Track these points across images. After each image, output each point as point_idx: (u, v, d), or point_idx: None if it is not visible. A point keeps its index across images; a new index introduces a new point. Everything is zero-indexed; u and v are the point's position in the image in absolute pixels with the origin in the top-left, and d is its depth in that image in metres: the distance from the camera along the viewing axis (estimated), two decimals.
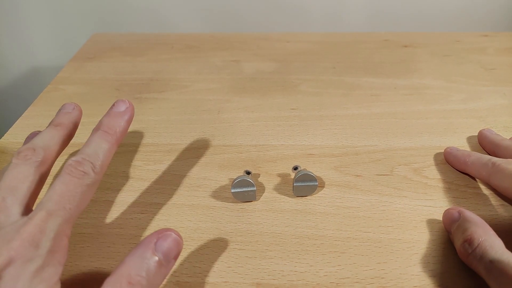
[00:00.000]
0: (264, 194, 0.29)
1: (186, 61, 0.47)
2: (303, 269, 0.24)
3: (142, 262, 0.18)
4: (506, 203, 0.28)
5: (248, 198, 0.28)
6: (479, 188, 0.29)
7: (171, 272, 0.24)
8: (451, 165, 0.31)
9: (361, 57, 0.47)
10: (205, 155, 0.33)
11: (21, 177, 0.21)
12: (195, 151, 0.33)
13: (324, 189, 0.29)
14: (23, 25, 0.69)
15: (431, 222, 0.26)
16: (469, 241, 0.22)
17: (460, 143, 0.33)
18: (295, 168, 0.29)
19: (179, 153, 0.33)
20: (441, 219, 0.26)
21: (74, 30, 0.68)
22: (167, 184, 0.30)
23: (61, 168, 0.21)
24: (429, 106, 0.38)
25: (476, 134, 0.34)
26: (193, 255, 0.25)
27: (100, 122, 0.24)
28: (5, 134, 0.36)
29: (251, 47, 0.50)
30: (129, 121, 0.25)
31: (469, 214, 0.24)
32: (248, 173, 0.29)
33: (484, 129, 0.33)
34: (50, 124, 0.25)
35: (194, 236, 0.26)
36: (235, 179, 0.27)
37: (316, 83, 0.42)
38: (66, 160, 0.22)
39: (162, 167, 0.32)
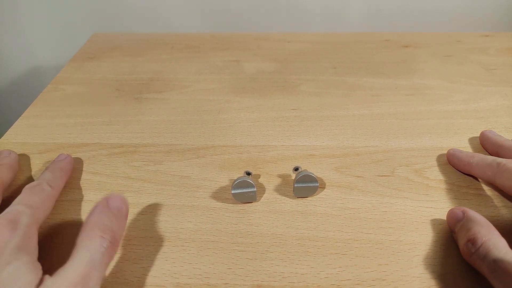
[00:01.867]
0: (264, 195, 0.29)
1: (186, 61, 0.47)
2: (304, 270, 0.24)
3: (103, 214, 0.23)
4: (508, 205, 0.27)
5: (248, 199, 0.28)
6: (481, 189, 0.29)
7: (171, 273, 0.24)
8: (454, 167, 0.30)
9: (362, 57, 0.47)
10: (205, 155, 0.32)
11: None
12: (195, 152, 0.33)
13: (325, 190, 0.29)
14: (23, 25, 0.69)
15: (432, 224, 0.26)
16: (472, 241, 0.22)
17: (461, 144, 0.33)
18: (296, 169, 0.29)
19: (179, 154, 0.33)
20: (442, 220, 0.26)
21: (74, 30, 0.68)
22: (167, 185, 0.30)
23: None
24: (430, 107, 0.38)
25: (477, 134, 0.33)
26: (193, 257, 0.25)
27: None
28: (5, 134, 0.35)
29: (251, 47, 0.50)
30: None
31: (473, 214, 0.24)
32: (248, 174, 0.29)
33: (486, 130, 0.33)
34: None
35: (194, 237, 0.26)
36: (236, 180, 0.27)
37: (316, 83, 0.42)
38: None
39: (162, 167, 0.31)
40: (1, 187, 0.27)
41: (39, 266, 0.20)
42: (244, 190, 0.27)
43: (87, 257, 0.20)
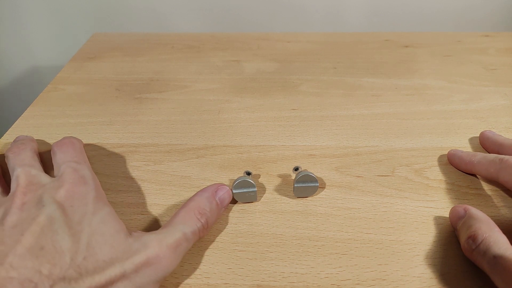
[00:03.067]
0: (264, 195, 0.29)
1: (186, 61, 0.47)
2: (304, 270, 0.24)
3: (208, 201, 0.25)
4: (508, 204, 0.27)
5: (249, 199, 0.28)
6: (481, 189, 0.29)
7: (171, 273, 0.24)
8: (455, 167, 0.30)
9: (362, 57, 0.47)
10: (205, 155, 0.32)
11: (29, 157, 0.27)
12: (195, 152, 0.33)
13: (325, 190, 0.29)
14: (23, 25, 0.69)
15: (432, 223, 0.26)
16: (473, 237, 0.22)
17: (461, 144, 0.33)
18: (296, 169, 0.29)
19: (179, 154, 0.33)
20: (442, 220, 0.26)
21: (74, 30, 0.68)
22: (167, 185, 0.30)
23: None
24: (430, 107, 0.38)
25: (477, 134, 0.33)
26: (193, 257, 0.25)
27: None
28: (5, 134, 0.35)
29: (251, 47, 0.50)
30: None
31: (475, 211, 0.24)
32: (248, 173, 0.29)
33: (486, 130, 0.33)
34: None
35: None
36: (236, 180, 0.27)
37: (316, 83, 0.42)
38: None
39: (162, 167, 0.31)
40: (36, 152, 0.29)
41: (118, 217, 0.23)
42: (245, 190, 0.27)
43: (182, 229, 0.23)
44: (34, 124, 0.37)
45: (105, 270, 0.20)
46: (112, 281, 0.19)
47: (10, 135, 0.35)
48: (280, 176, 0.30)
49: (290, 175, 0.30)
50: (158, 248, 0.21)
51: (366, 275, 0.23)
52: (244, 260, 0.24)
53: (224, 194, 0.26)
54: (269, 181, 0.30)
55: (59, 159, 0.26)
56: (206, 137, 0.34)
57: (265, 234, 0.26)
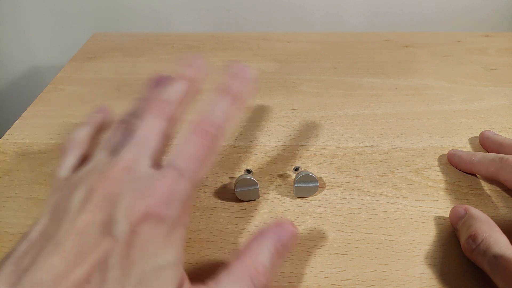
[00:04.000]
0: (264, 195, 0.29)
1: None
2: (304, 270, 0.24)
3: (269, 251, 0.20)
4: (508, 204, 0.27)
5: (252, 196, 0.28)
6: (481, 189, 0.29)
7: None
8: (455, 167, 0.30)
9: (362, 57, 0.47)
10: None
11: (155, 130, 0.20)
12: None
13: (325, 190, 0.29)
14: (23, 25, 0.69)
15: (432, 223, 0.26)
16: (473, 237, 0.22)
17: (461, 144, 0.33)
18: (296, 169, 0.29)
19: None
20: (442, 220, 0.26)
21: (74, 30, 0.68)
22: None
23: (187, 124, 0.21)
24: (430, 107, 0.38)
25: (477, 134, 0.33)
26: (193, 257, 0.25)
27: (226, 84, 0.23)
28: (5, 134, 0.35)
29: (251, 47, 0.50)
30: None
31: (475, 211, 0.24)
32: (249, 171, 0.29)
33: (486, 130, 0.33)
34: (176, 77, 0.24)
35: (195, 237, 0.26)
36: (238, 178, 0.27)
37: (316, 83, 0.42)
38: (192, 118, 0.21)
39: None
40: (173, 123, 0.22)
41: (180, 265, 0.19)
42: (248, 188, 0.27)
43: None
44: (34, 124, 0.37)
45: None
46: None
47: (10, 135, 0.35)
48: (280, 176, 0.30)
49: (290, 175, 0.30)
50: None
51: (366, 275, 0.23)
52: None
53: (291, 237, 0.21)
54: (269, 181, 0.30)
55: (177, 150, 0.20)
56: None
57: None
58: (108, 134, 0.22)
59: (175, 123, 0.22)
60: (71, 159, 0.22)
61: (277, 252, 0.20)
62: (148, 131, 0.20)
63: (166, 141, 0.21)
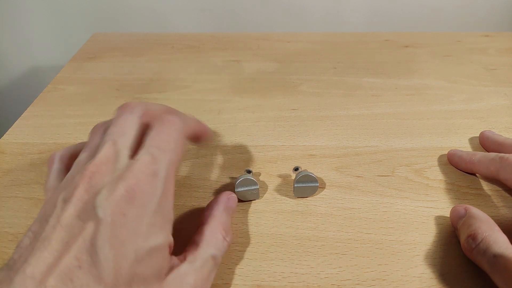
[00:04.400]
0: (264, 195, 0.29)
1: (186, 61, 0.47)
2: (304, 271, 0.24)
3: (226, 215, 0.24)
4: (508, 204, 0.27)
5: (252, 197, 0.28)
6: (481, 189, 0.29)
7: None
8: (455, 167, 0.30)
9: (362, 57, 0.47)
10: (205, 155, 0.32)
11: (130, 122, 0.22)
12: (195, 152, 0.33)
13: (325, 190, 0.29)
14: (23, 25, 0.69)
15: (432, 223, 0.26)
16: (473, 236, 0.22)
17: (461, 144, 0.33)
18: (296, 169, 0.29)
19: None
20: (442, 220, 0.26)
21: (74, 30, 0.68)
22: None
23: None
24: (430, 107, 0.38)
25: (477, 134, 0.33)
26: None
27: None
28: (5, 134, 0.35)
29: (251, 47, 0.50)
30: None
31: (475, 211, 0.24)
32: (249, 172, 0.29)
33: (486, 130, 0.33)
34: None
35: None
36: (238, 179, 0.27)
37: (316, 83, 0.42)
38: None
39: None
40: (143, 120, 0.23)
41: (168, 254, 0.20)
42: (247, 188, 0.27)
43: (212, 253, 0.22)
44: (34, 124, 0.37)
45: None
46: None
47: (10, 135, 0.35)
48: (280, 176, 0.30)
49: (290, 175, 0.30)
50: (194, 286, 0.20)
51: (366, 275, 0.23)
52: (244, 260, 0.24)
53: (234, 203, 0.26)
54: (269, 181, 0.30)
55: (147, 137, 0.21)
56: None
57: (265, 234, 0.26)
58: (88, 140, 0.23)
59: (148, 117, 0.23)
60: (56, 170, 0.23)
61: (230, 215, 0.25)
62: (123, 125, 0.22)
63: (141, 132, 0.22)
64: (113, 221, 0.18)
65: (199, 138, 0.26)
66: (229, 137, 0.34)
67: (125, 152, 0.20)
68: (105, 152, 0.20)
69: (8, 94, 0.77)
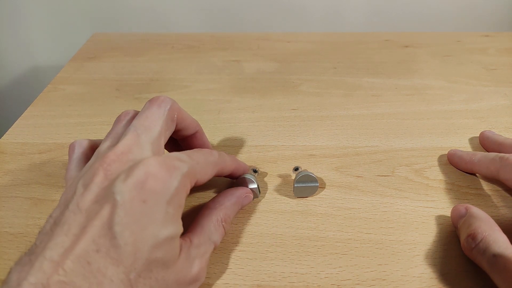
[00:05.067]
0: (264, 195, 0.29)
1: (186, 61, 0.47)
2: (304, 270, 0.24)
3: (234, 209, 0.25)
4: (508, 204, 0.27)
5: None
6: (481, 189, 0.29)
7: None
8: (455, 167, 0.30)
9: (362, 57, 0.47)
10: None
11: (156, 117, 0.22)
12: None
13: (325, 190, 0.29)
14: (23, 25, 0.69)
15: (432, 223, 0.26)
16: (472, 236, 0.22)
17: (461, 144, 0.33)
18: (296, 169, 0.29)
19: None
20: (442, 220, 0.26)
21: (74, 30, 0.68)
22: None
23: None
24: (430, 107, 0.38)
25: (477, 134, 0.33)
26: None
27: None
28: (5, 134, 0.35)
29: (251, 47, 0.50)
30: None
31: (476, 210, 0.24)
32: (255, 171, 0.29)
33: (486, 130, 0.33)
34: None
35: None
36: (238, 178, 0.27)
37: (316, 83, 0.42)
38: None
39: None
40: (173, 116, 0.24)
41: (177, 245, 0.20)
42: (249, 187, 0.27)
43: (214, 239, 0.23)
44: (34, 124, 0.37)
45: None
46: None
47: (10, 135, 0.35)
48: (280, 176, 0.30)
49: (290, 175, 0.30)
50: (199, 269, 0.21)
51: (366, 275, 0.23)
52: (244, 260, 0.24)
53: (247, 202, 0.27)
54: (269, 181, 0.30)
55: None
56: None
57: (265, 234, 0.26)
58: (111, 129, 0.23)
59: (176, 113, 0.24)
60: (76, 159, 0.24)
61: (237, 210, 0.25)
62: (149, 119, 0.22)
63: (168, 128, 0.23)
64: (133, 206, 0.18)
65: (234, 175, 0.27)
66: (229, 137, 0.34)
67: (148, 146, 0.21)
68: (127, 142, 0.21)
69: (8, 94, 0.77)
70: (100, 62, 0.47)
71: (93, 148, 0.24)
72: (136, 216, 0.18)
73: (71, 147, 0.24)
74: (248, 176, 0.27)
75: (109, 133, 0.23)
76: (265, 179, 0.30)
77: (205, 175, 0.23)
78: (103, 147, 0.22)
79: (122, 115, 0.24)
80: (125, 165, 0.20)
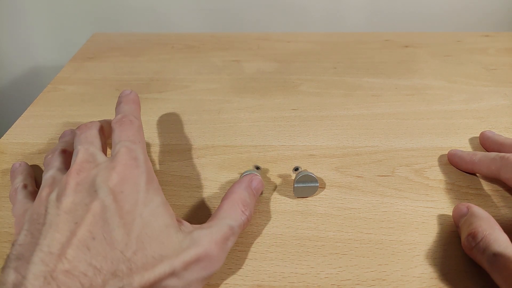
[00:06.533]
0: (264, 195, 0.29)
1: (186, 61, 0.47)
2: (304, 271, 0.24)
3: (247, 192, 0.25)
4: (508, 204, 0.27)
5: None
6: (481, 189, 0.29)
7: None
8: (456, 166, 0.30)
9: (362, 57, 0.47)
10: (205, 155, 0.32)
11: (92, 135, 0.25)
12: (195, 152, 0.33)
13: (325, 190, 0.29)
14: (23, 25, 0.69)
15: (432, 224, 0.26)
16: (473, 235, 0.23)
17: (461, 144, 0.33)
18: (296, 169, 0.29)
19: (179, 154, 0.33)
20: (442, 220, 0.26)
21: (74, 30, 0.68)
22: (167, 185, 0.30)
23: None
24: (430, 107, 0.38)
25: (477, 134, 0.33)
26: None
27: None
28: (5, 134, 0.35)
29: (251, 47, 0.50)
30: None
31: (477, 209, 0.24)
32: (257, 168, 0.29)
33: (486, 130, 0.33)
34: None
35: None
36: (243, 174, 0.28)
37: (316, 83, 0.42)
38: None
39: (162, 167, 0.31)
40: (102, 130, 0.27)
41: (169, 206, 0.23)
42: None
43: (229, 223, 0.23)
44: (34, 124, 0.37)
45: (155, 267, 0.19)
46: (161, 279, 0.19)
47: (10, 135, 0.35)
48: (280, 176, 0.30)
49: (290, 175, 0.30)
50: (208, 245, 0.21)
51: (366, 275, 0.23)
52: (244, 260, 0.24)
53: (258, 184, 0.27)
54: (269, 181, 0.30)
55: (116, 137, 0.25)
56: (206, 137, 0.34)
57: (265, 234, 0.26)
58: (45, 169, 0.25)
59: (106, 129, 0.27)
60: (21, 194, 0.27)
61: (253, 194, 0.26)
62: (87, 137, 0.25)
63: (104, 141, 0.26)
64: (115, 198, 0.20)
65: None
66: (229, 137, 0.34)
67: (99, 153, 0.24)
68: (82, 155, 0.23)
69: (8, 94, 0.77)
70: (100, 62, 0.47)
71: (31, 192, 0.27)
72: (121, 204, 0.20)
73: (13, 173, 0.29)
74: (251, 172, 0.27)
75: (47, 169, 0.25)
76: (265, 179, 0.30)
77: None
78: (48, 175, 0.24)
79: (47, 159, 0.26)
80: (91, 169, 0.22)
